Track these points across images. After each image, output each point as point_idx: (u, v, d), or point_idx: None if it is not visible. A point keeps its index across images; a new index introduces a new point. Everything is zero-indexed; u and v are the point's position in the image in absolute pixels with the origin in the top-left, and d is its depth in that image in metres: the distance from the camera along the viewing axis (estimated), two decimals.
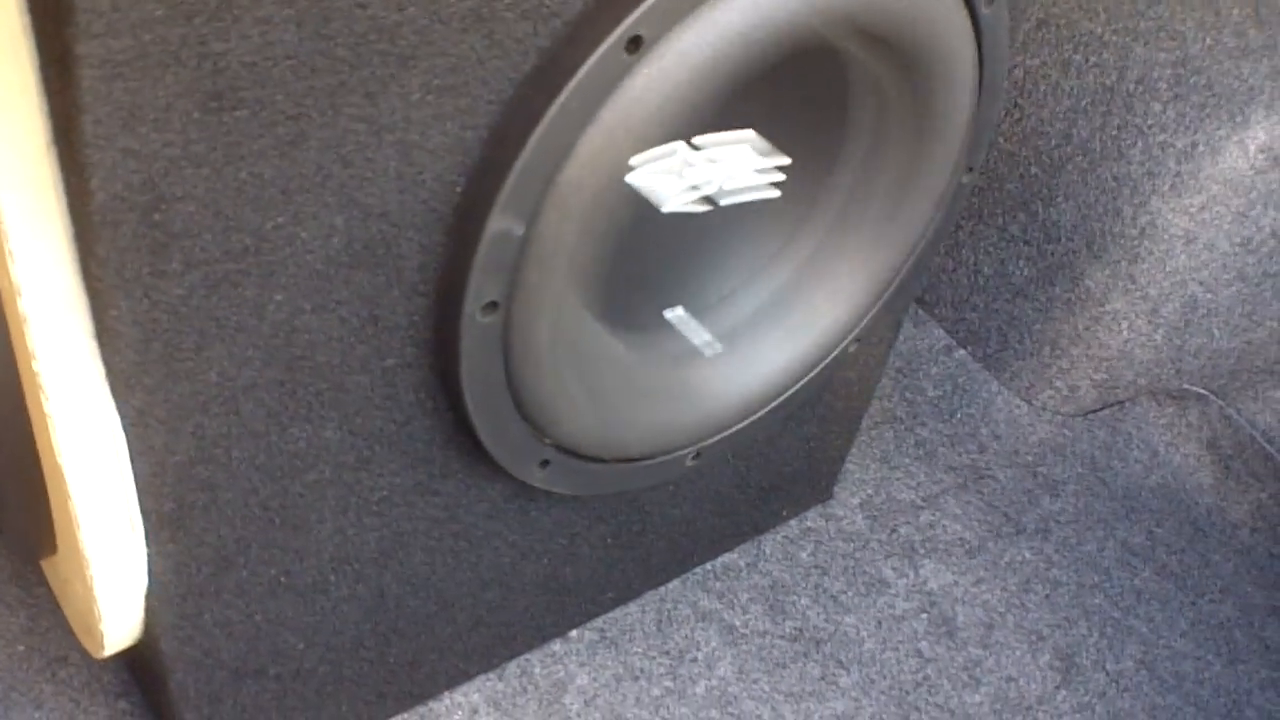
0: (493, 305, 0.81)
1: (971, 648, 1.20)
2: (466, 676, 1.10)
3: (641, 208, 0.89)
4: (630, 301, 0.98)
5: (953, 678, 1.18)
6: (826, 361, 1.06)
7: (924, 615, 1.22)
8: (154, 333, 0.73)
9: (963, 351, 1.43)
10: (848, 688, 1.15)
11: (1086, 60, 1.29)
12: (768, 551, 1.24)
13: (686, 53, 0.78)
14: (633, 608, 1.17)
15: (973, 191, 1.39)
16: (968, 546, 1.29)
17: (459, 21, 0.71)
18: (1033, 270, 1.35)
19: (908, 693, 1.16)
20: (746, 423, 1.04)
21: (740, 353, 1.02)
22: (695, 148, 0.96)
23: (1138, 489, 1.37)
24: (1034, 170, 1.33)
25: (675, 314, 1.01)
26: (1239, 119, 1.21)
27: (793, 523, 1.27)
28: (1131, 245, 1.28)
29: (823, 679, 1.15)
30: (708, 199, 0.96)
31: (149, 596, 0.87)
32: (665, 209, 0.93)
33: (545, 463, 0.94)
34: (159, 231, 0.69)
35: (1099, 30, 1.29)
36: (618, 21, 0.75)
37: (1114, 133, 1.27)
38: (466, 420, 0.87)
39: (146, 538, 0.84)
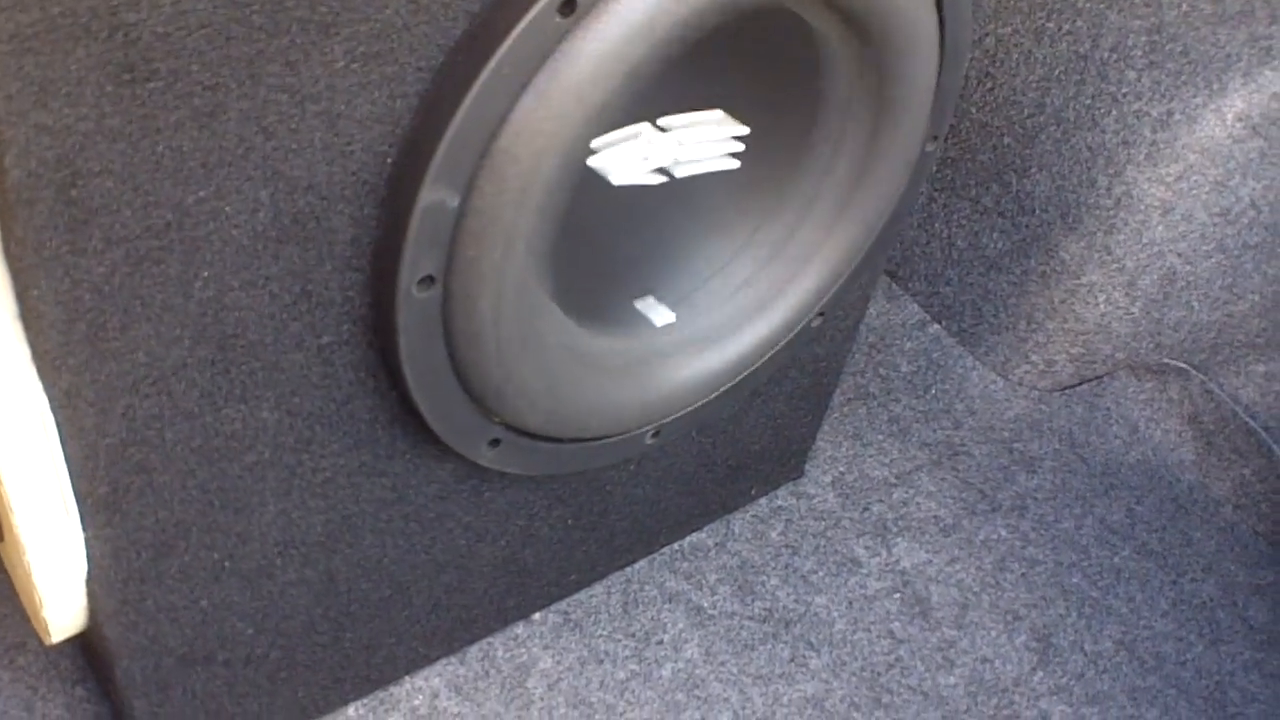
0: (429, 279, 0.79)
1: (945, 628, 1.17)
2: (427, 660, 1.08)
3: (589, 180, 0.86)
4: (595, 288, 0.95)
5: (926, 659, 1.15)
6: (789, 337, 1.04)
7: (896, 595, 1.19)
8: (77, 312, 0.71)
9: (937, 326, 1.40)
10: (818, 670, 1.12)
11: (1059, 28, 1.26)
12: (737, 531, 1.22)
13: (622, 14, 0.75)
14: (598, 589, 1.15)
15: (945, 163, 1.37)
16: (942, 524, 1.26)
17: None
18: (1007, 243, 1.32)
19: (879, 674, 1.13)
20: (707, 400, 1.02)
21: (699, 329, 1.00)
22: (661, 129, 0.94)
23: (1117, 465, 1.34)
24: (1007, 141, 1.30)
25: (644, 302, 0.99)
26: (1216, 86, 1.18)
27: (763, 501, 1.25)
28: (1107, 216, 1.25)
29: (792, 660, 1.13)
30: (662, 170, 0.94)
31: (89, 582, 0.85)
32: (616, 181, 0.90)
33: (495, 442, 0.92)
34: (77, 208, 0.67)
35: None
36: None
37: (1088, 101, 1.24)
38: (409, 399, 0.85)
39: (82, 522, 0.82)
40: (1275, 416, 1.34)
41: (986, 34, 1.30)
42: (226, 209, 0.72)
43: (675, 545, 1.20)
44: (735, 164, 0.95)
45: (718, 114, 0.96)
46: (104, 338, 0.73)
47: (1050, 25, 1.27)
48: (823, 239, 1.00)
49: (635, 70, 0.78)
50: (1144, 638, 1.19)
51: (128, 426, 0.78)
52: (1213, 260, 1.27)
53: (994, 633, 1.18)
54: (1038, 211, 1.29)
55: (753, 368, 1.03)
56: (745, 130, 0.95)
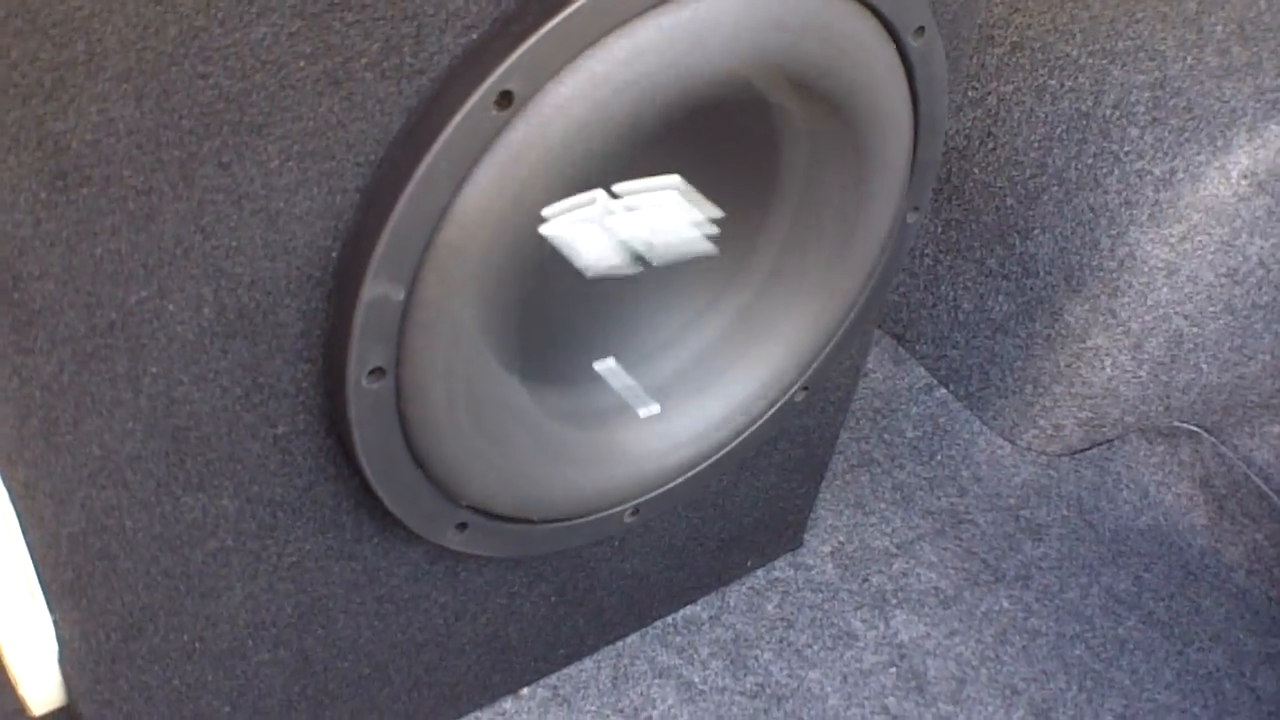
0: (379, 371, 0.79)
1: (941, 703, 1.15)
2: None
3: (545, 265, 0.86)
4: (553, 354, 0.94)
5: None
6: (771, 412, 1.02)
7: (892, 669, 1.17)
8: (29, 409, 0.72)
9: (944, 390, 1.38)
10: None
11: (1062, 85, 1.24)
12: (732, 603, 1.20)
13: (563, 107, 0.75)
14: (588, 663, 1.14)
15: (950, 225, 1.34)
16: (942, 596, 1.23)
17: (313, 86, 0.69)
18: (1012, 305, 1.29)
19: None
20: (687, 477, 1.01)
21: (675, 405, 0.98)
22: (615, 195, 0.93)
23: (1126, 531, 1.31)
24: (1010, 202, 1.28)
25: (606, 366, 0.97)
26: (1220, 143, 1.15)
27: (760, 572, 1.23)
28: (1111, 278, 1.22)
29: None
30: (639, 258, 0.93)
31: (62, 662, 0.86)
32: (590, 273, 0.90)
33: (462, 526, 0.91)
34: (20, 310, 0.68)
35: (1075, 53, 1.23)
36: (484, 77, 0.72)
37: (1090, 161, 1.21)
38: (370, 487, 0.85)
39: (49, 606, 0.82)
40: None
41: (989, 92, 1.28)
42: (170, 307, 0.72)
43: (669, 618, 1.19)
44: (713, 248, 0.94)
45: (675, 179, 0.94)
46: (57, 433, 0.73)
47: (1052, 83, 1.24)
48: (793, 311, 0.99)
49: (583, 162, 0.77)
50: (1146, 710, 1.16)
51: (86, 516, 0.78)
52: (1221, 321, 1.23)
53: (991, 708, 1.15)
54: (1042, 274, 1.26)
55: (732, 444, 1.02)
56: (716, 211, 0.93)
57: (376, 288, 0.75)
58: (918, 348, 1.40)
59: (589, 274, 0.89)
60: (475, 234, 0.76)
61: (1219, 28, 1.18)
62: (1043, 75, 1.25)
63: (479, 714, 1.10)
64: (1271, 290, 1.22)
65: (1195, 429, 1.33)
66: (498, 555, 0.96)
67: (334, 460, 0.84)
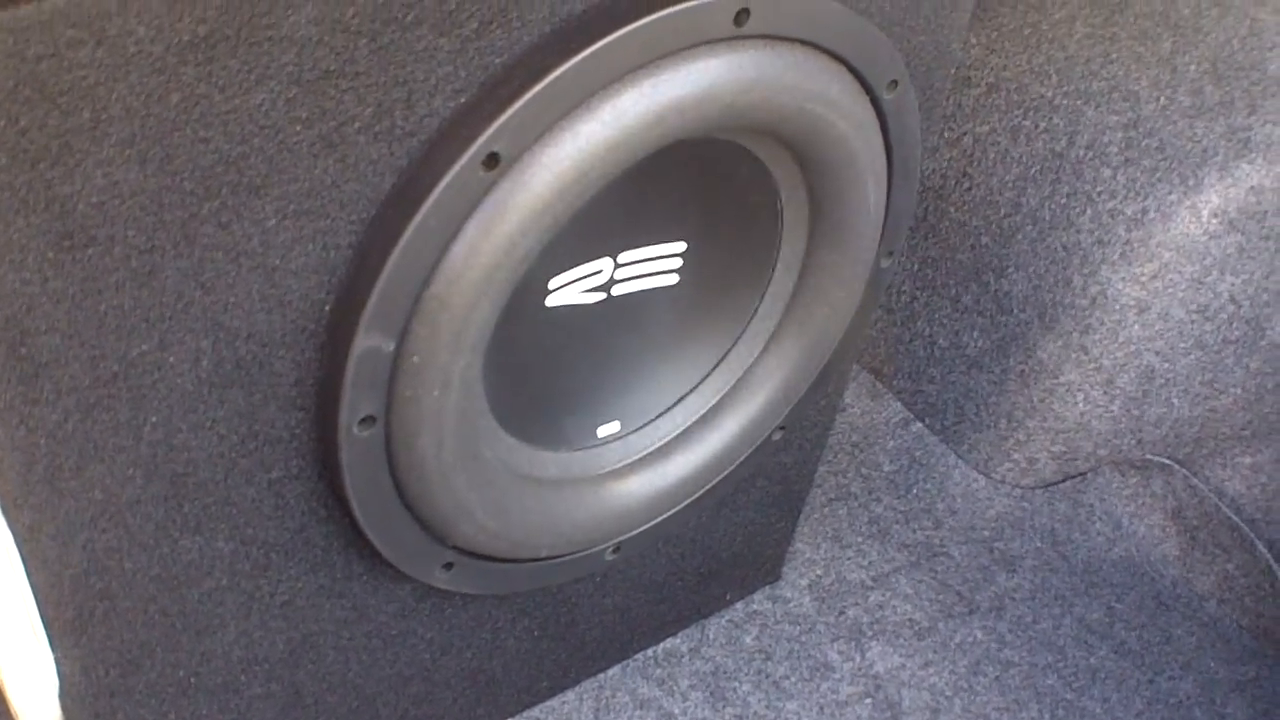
0: (370, 419, 0.81)
1: None
2: None
3: (528, 319, 0.88)
4: (544, 410, 0.97)
5: None
6: (748, 452, 1.05)
7: (868, 700, 1.20)
8: (34, 456, 0.74)
9: (920, 424, 1.41)
10: None
11: (1036, 126, 1.27)
12: (711, 636, 1.23)
13: (549, 166, 0.78)
14: (570, 696, 1.16)
15: (926, 262, 1.38)
16: (917, 628, 1.26)
17: (308, 149, 0.71)
18: (987, 342, 1.33)
19: None
20: (666, 517, 1.03)
21: (649, 445, 1.01)
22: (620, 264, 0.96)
23: (1099, 563, 1.34)
24: (985, 240, 1.31)
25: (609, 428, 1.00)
26: (1191, 182, 1.18)
27: (739, 605, 1.26)
28: (1083, 316, 1.25)
29: None
30: (600, 288, 0.95)
31: (62, 696, 0.88)
32: (549, 302, 0.92)
33: (449, 565, 0.94)
34: (26, 364, 0.70)
35: (1049, 94, 1.27)
36: (472, 139, 0.75)
37: (1063, 200, 1.25)
38: (360, 529, 0.87)
39: (51, 643, 0.85)
40: (1261, 509, 1.33)
41: (965, 133, 1.31)
42: (170, 359, 0.75)
43: (649, 651, 1.21)
44: (674, 279, 0.97)
45: (680, 245, 0.97)
46: (61, 479, 0.76)
47: (1027, 123, 1.28)
48: (772, 353, 1.02)
49: (567, 215, 0.80)
50: None
51: (88, 558, 0.81)
52: (1192, 357, 1.27)
53: None
54: (1015, 311, 1.30)
55: (711, 483, 1.05)
56: (681, 246, 0.96)
57: (368, 340, 0.78)
58: (894, 382, 1.43)
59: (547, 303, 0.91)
60: (462, 289, 0.79)
61: (1192, 67, 1.21)
62: (1018, 116, 1.28)
63: None
64: (1243, 325, 1.25)
65: (1167, 461, 1.36)
66: (482, 592, 0.99)
67: (325, 503, 0.87)
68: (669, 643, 1.22)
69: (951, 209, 1.34)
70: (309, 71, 0.69)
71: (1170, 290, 1.22)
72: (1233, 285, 1.23)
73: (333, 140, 0.72)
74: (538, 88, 0.76)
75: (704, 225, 0.96)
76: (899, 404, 1.42)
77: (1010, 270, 1.29)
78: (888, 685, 1.21)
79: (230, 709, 0.96)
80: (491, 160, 0.76)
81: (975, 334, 1.33)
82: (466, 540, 0.92)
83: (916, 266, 1.37)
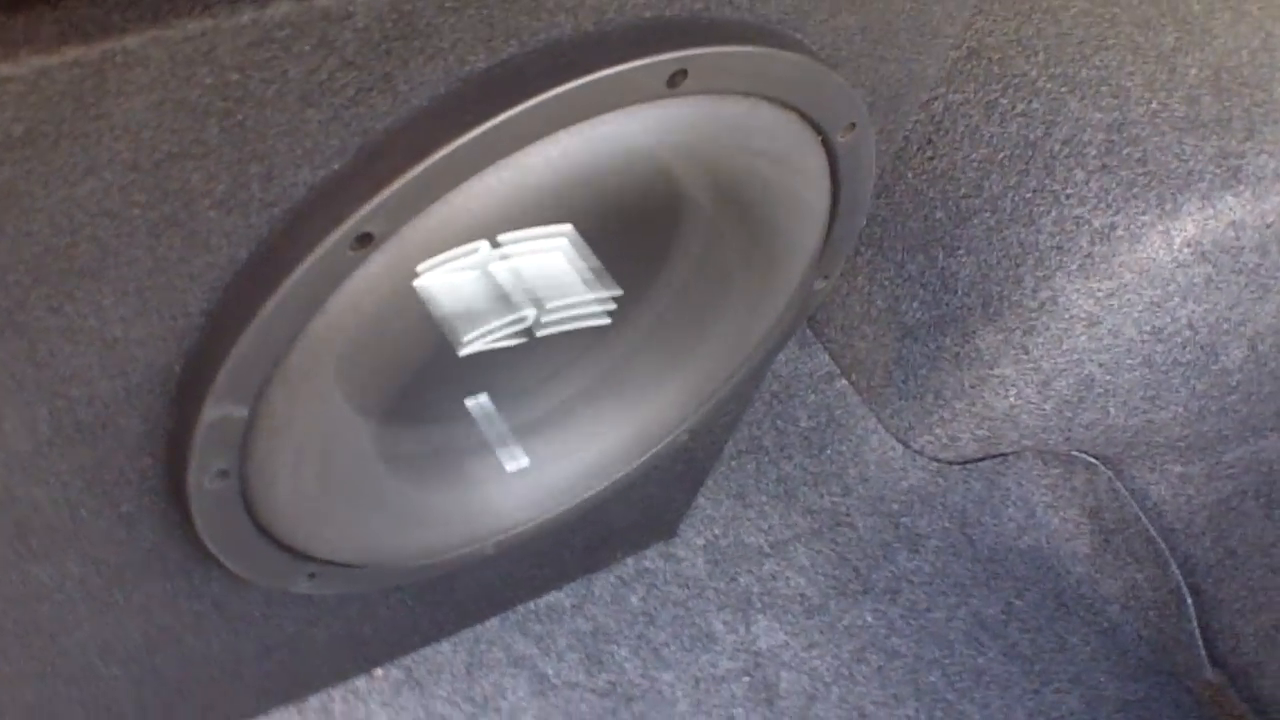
0: (223, 473, 0.75)
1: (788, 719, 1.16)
2: (263, 711, 1.08)
3: (403, 362, 0.80)
4: (419, 394, 0.90)
5: None
6: (648, 455, 0.99)
7: (746, 678, 1.18)
8: None
9: (844, 382, 1.34)
10: None
11: (1014, 106, 1.15)
12: (597, 593, 1.19)
13: (428, 244, 0.69)
14: (445, 646, 1.13)
15: (875, 220, 1.28)
16: (807, 604, 1.23)
17: (148, 229, 0.63)
18: (925, 315, 1.25)
19: None
20: (554, 514, 0.98)
21: (545, 446, 0.95)
22: (499, 245, 0.87)
23: (1005, 551, 1.30)
24: (939, 215, 1.21)
25: (478, 405, 0.93)
26: (1168, 206, 1.08)
27: (630, 560, 1.22)
28: (1029, 317, 1.17)
29: None
30: (525, 331, 0.87)
31: None
32: (465, 347, 0.84)
33: (313, 575, 0.89)
34: None
35: (1033, 73, 1.14)
36: (342, 218, 0.66)
37: (1028, 195, 1.15)
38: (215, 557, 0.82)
39: None
40: (1182, 519, 1.29)
41: (936, 97, 1.19)
42: (5, 426, 0.68)
43: (531, 604, 1.18)
44: (605, 320, 0.88)
45: (566, 227, 0.87)
46: None
47: (1004, 101, 1.16)
48: (687, 366, 0.95)
49: None
50: None
51: None
52: (1136, 373, 1.19)
53: None
54: (960, 293, 1.21)
55: (605, 484, 0.99)
56: (600, 270, 0.87)
57: (218, 409, 0.71)
58: (825, 332, 1.35)
59: (464, 348, 0.83)
60: (326, 358, 0.71)
61: (1193, 71, 1.09)
62: (995, 91, 1.16)
63: (331, 691, 1.10)
64: (1195, 350, 1.18)
65: (1093, 460, 1.31)
66: (351, 592, 0.95)
67: (179, 527, 0.81)
68: (552, 596, 1.18)
69: (910, 173, 1.23)
70: (147, 157, 0.59)
71: (1125, 310, 1.14)
72: (1192, 312, 1.14)
73: (178, 219, 0.63)
74: (423, 165, 0.66)
75: (608, 228, 0.87)
76: (826, 357, 1.35)
77: (960, 252, 1.20)
78: (768, 665, 1.19)
79: (88, 688, 0.93)
80: (364, 240, 0.67)
81: (915, 304, 1.25)
82: (334, 557, 0.87)
83: (865, 222, 1.27)
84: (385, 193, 0.66)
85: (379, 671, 1.12)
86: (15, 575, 0.78)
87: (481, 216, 0.70)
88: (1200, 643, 1.26)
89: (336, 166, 0.66)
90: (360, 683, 1.11)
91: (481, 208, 0.70)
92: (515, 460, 0.92)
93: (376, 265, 0.69)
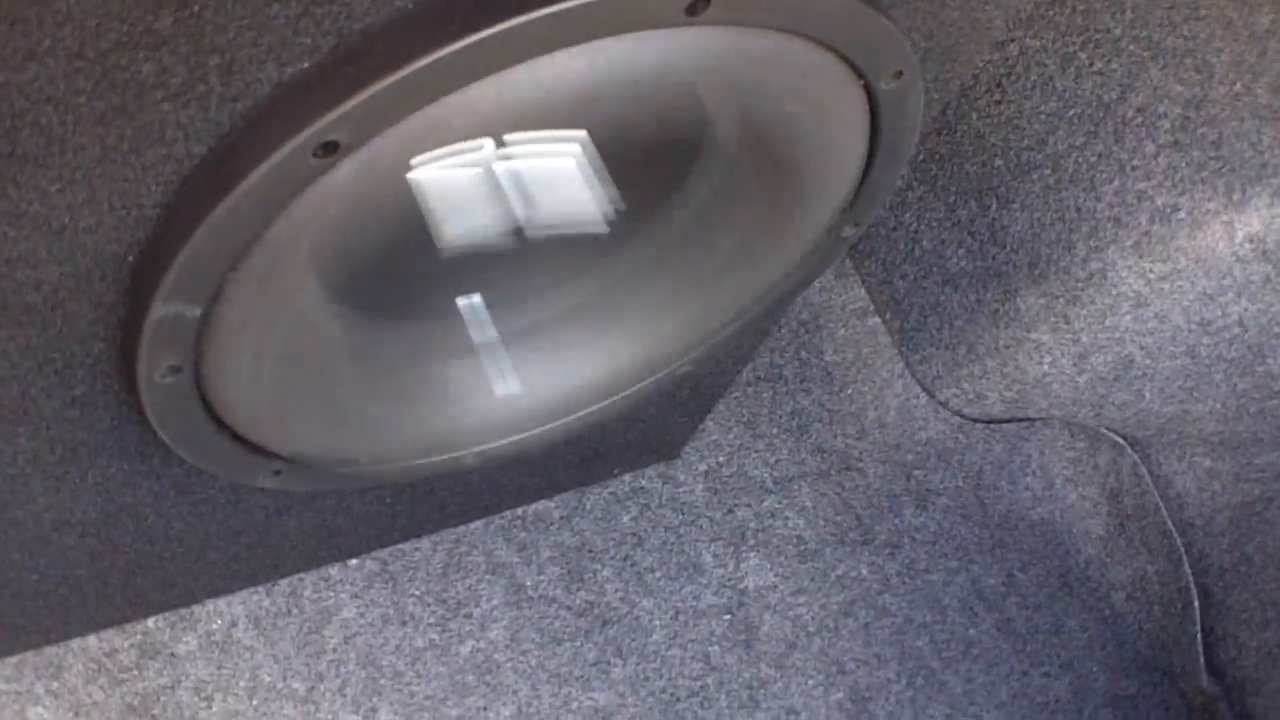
0: (175, 369, 0.72)
1: (764, 665, 1.13)
2: (230, 591, 1.07)
3: (381, 259, 0.76)
4: (404, 288, 0.85)
5: (732, 694, 1.12)
6: (648, 382, 0.95)
7: (727, 616, 1.14)
8: None
9: (876, 320, 1.27)
10: (618, 680, 1.10)
11: (1091, 63, 1.06)
12: (588, 506, 1.16)
13: (401, 164, 0.64)
14: (424, 543, 1.11)
15: (931, 157, 1.20)
16: (803, 548, 1.19)
17: (96, 118, 0.59)
18: (969, 265, 1.17)
19: (678, 699, 1.10)
20: (539, 431, 0.94)
21: (536, 357, 0.91)
22: (505, 144, 0.81)
23: (1016, 520, 1.25)
24: (998, 163, 1.13)
25: (469, 303, 0.89)
26: (1236, 196, 1.00)
27: (626, 477, 1.18)
28: (1075, 286, 1.10)
29: (595, 665, 1.10)
30: (515, 231, 0.82)
31: None
32: (450, 246, 0.80)
33: (278, 472, 0.86)
34: None
35: (1117, 31, 1.05)
36: (305, 124, 0.61)
37: (1093, 159, 1.06)
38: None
39: None
40: (1203, 515, 1.22)
41: (1013, 39, 1.11)
42: None
43: (518, 510, 1.14)
44: (603, 226, 0.83)
45: (580, 133, 0.82)
46: None
47: (1082, 55, 1.07)
48: (695, 297, 0.90)
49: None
50: None
51: None
52: (1178, 362, 1.12)
53: (812, 682, 1.13)
54: (1008, 249, 1.14)
55: (601, 405, 0.95)
56: (612, 189, 0.82)
57: (168, 307, 0.67)
58: (865, 265, 1.28)
59: (449, 247, 0.79)
60: (288, 262, 0.67)
61: None
62: (1075, 44, 1.07)
63: (303, 576, 1.08)
64: (1242, 348, 1.10)
65: (1121, 440, 1.24)
66: (321, 489, 0.92)
67: (135, 415, 0.79)
68: (541, 505, 1.15)
69: (974, 114, 1.15)
70: (92, 46, 0.55)
71: (1176, 296, 1.06)
72: (1245, 310, 1.06)
73: (128, 109, 0.59)
74: (398, 75, 0.61)
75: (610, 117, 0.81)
76: (861, 290, 1.28)
77: (1014, 206, 1.13)
78: (752, 605, 1.15)
79: (44, 556, 0.92)
80: (328, 148, 0.62)
81: (960, 252, 1.18)
82: (301, 452, 0.84)
83: (921, 156, 1.20)
84: (352, 101, 0.61)
85: (353, 561, 1.10)
86: None
87: (478, 119, 0.65)
88: (1201, 648, 1.21)
89: (305, 65, 0.61)
90: (334, 570, 1.09)
91: (460, 128, 0.65)
92: (504, 382, 0.88)
93: (345, 173, 0.64)
